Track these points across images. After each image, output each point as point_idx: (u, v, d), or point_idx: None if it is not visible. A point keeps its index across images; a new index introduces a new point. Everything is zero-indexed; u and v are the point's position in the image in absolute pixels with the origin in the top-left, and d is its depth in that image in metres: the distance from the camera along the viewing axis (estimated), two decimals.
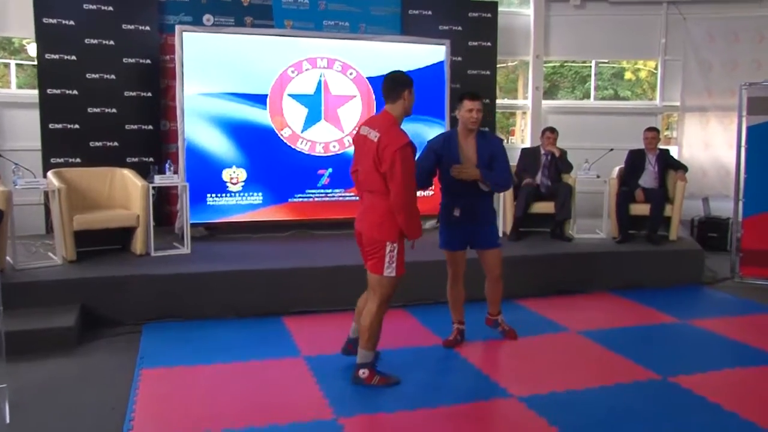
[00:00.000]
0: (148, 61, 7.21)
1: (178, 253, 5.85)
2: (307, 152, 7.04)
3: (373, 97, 7.15)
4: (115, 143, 7.10)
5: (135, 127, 7.19)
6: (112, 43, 7.04)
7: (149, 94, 7.24)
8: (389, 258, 3.62)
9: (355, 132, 3.93)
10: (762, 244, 6.43)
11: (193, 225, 6.26)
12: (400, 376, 3.88)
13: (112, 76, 7.07)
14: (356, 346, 4.10)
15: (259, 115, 6.83)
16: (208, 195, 6.71)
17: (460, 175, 4.14)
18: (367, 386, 3.74)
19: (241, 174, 6.82)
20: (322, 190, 7.13)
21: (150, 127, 7.26)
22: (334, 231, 6.99)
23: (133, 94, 7.16)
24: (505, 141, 11.87)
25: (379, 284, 3.67)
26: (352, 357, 3.93)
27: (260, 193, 6.91)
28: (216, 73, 6.66)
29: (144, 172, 6.13)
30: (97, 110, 7.03)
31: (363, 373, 3.76)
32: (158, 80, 7.29)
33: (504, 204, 6.98)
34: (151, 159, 7.06)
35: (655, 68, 9.55)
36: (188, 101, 6.55)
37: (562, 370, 4.11)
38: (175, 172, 6.12)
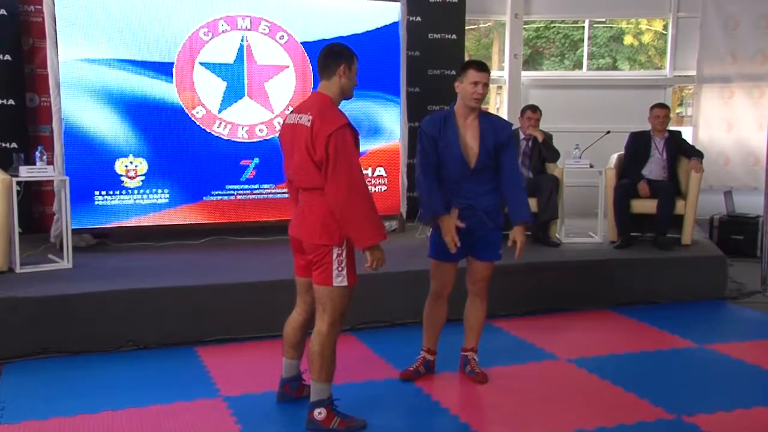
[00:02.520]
0: (3, 12, 6.99)
1: (54, 267, 5.75)
2: (226, 137, 6.99)
3: (310, 67, 7.12)
4: None
5: None
6: None
7: (8, 58, 7.04)
8: (338, 265, 3.66)
9: (282, 121, 3.95)
10: None
11: (75, 231, 6.16)
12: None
13: None
14: (294, 386, 4.12)
15: (164, 90, 6.75)
16: (97, 192, 6.61)
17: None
18: (324, 431, 3.73)
19: (141, 165, 6.75)
20: (246, 186, 7.09)
21: (11, 102, 7.09)
22: (261, 237, 6.98)
23: None
24: None
25: (329, 298, 3.70)
26: (295, 400, 3.98)
27: (166, 190, 6.83)
28: (104, 33, 6.53)
29: (4, 162, 6.00)
30: None
31: (319, 413, 3.75)
32: (19, 39, 7.10)
33: None
34: (15, 145, 6.93)
35: (664, 29, 9.73)
36: (65, 69, 6.40)
37: (548, 408, 4.11)
38: (50, 162, 5.98)
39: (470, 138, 4.24)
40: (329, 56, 3.74)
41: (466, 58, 8.90)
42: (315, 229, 3.67)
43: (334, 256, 3.66)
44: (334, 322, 3.72)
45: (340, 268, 3.67)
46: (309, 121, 3.60)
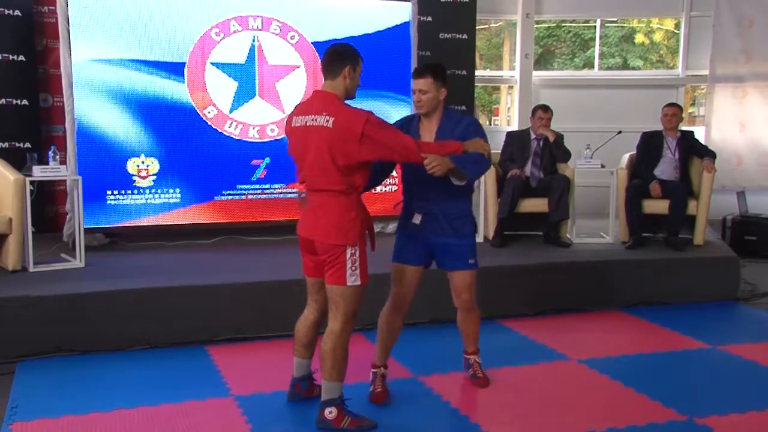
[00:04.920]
0: (18, 13, 7.03)
1: (67, 267, 5.77)
2: (237, 137, 7.00)
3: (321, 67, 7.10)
4: None
5: (2, 101, 7.04)
6: None
7: (22, 59, 7.08)
8: (351, 264, 3.68)
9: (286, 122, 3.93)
10: None
11: (88, 231, 6.18)
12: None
13: None
14: (305, 386, 4.12)
15: (175, 90, 6.77)
16: (109, 192, 6.64)
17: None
18: (334, 431, 3.73)
19: (153, 165, 6.77)
20: (257, 186, 7.10)
21: (25, 102, 7.12)
22: (272, 237, 6.98)
23: None
24: (487, 123, 11.96)
25: (342, 297, 3.72)
26: (305, 400, 3.99)
27: (177, 190, 6.85)
28: (116, 33, 6.56)
29: (18, 161, 6.00)
30: None
31: (330, 413, 3.75)
32: (32, 39, 7.14)
33: (485, 201, 7.01)
34: (28, 145, 6.95)
35: (676, 28, 9.70)
36: (78, 69, 6.44)
37: (559, 410, 4.11)
38: (63, 162, 6.01)
39: (428, 136, 4.07)
40: (334, 57, 3.74)
41: (477, 58, 8.91)
42: (329, 229, 3.68)
43: (348, 255, 3.67)
44: (347, 321, 3.74)
45: (353, 268, 3.69)
46: (329, 121, 3.58)
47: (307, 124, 3.68)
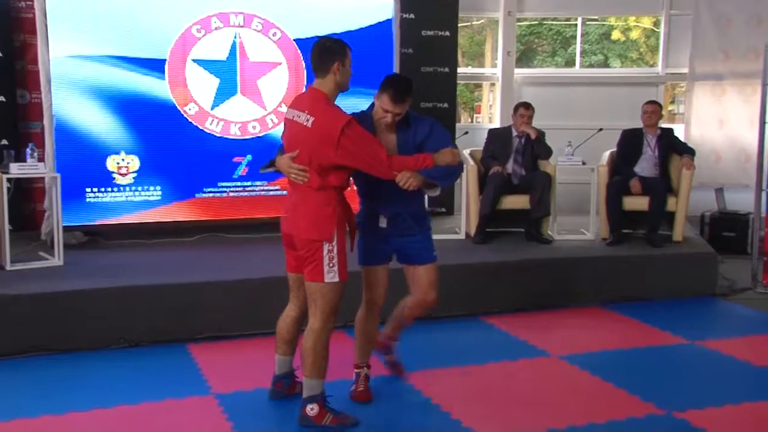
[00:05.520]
0: None
1: (45, 265, 5.72)
2: (219, 134, 6.96)
3: (303, 64, 7.09)
4: None
5: None
6: None
7: None
8: (329, 261, 3.66)
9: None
10: None
11: (67, 229, 6.12)
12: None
13: None
14: (286, 383, 4.11)
15: (156, 86, 6.71)
16: (88, 189, 6.58)
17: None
18: (316, 428, 3.72)
19: (133, 162, 6.71)
20: (238, 183, 7.06)
21: (2, 98, 7.03)
22: (253, 234, 6.95)
23: None
24: (470, 120, 11.96)
25: (320, 294, 3.71)
26: (287, 397, 4.00)
27: (158, 187, 6.80)
28: (96, 30, 6.50)
29: None
30: None
31: (311, 409, 3.75)
32: (10, 35, 7.05)
33: (467, 198, 7.01)
34: (5, 141, 6.85)
35: (655, 26, 9.73)
36: (56, 65, 6.36)
37: (540, 404, 4.12)
38: (41, 159, 5.96)
39: (388, 141, 3.93)
40: (322, 53, 3.70)
41: (459, 56, 8.89)
42: (306, 224, 3.68)
43: (325, 252, 3.66)
44: (326, 318, 3.73)
45: (331, 264, 3.67)
46: (308, 120, 3.59)
47: (294, 118, 3.70)
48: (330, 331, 3.78)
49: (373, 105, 3.97)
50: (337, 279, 3.69)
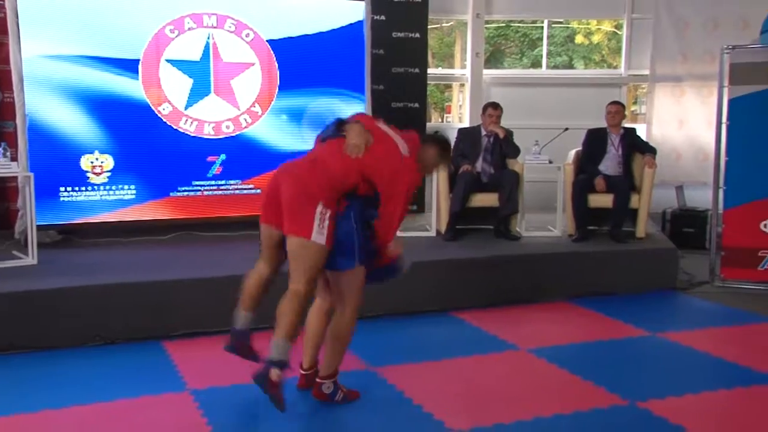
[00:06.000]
0: None
1: (19, 264, 5.67)
2: (193, 134, 6.94)
3: (276, 65, 7.07)
4: None
5: None
6: None
7: None
8: (320, 221, 3.55)
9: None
10: (746, 241, 6.60)
11: (41, 228, 6.09)
12: (314, 409, 3.88)
13: None
14: (243, 338, 4.00)
15: (129, 86, 6.68)
16: (62, 189, 6.53)
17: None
18: (268, 392, 3.59)
19: (107, 161, 6.67)
20: (212, 182, 7.04)
21: None
22: (228, 232, 6.92)
23: None
24: (440, 120, 12.03)
25: (305, 251, 3.57)
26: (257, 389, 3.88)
27: (132, 186, 6.77)
28: (68, 29, 6.45)
29: None
30: None
31: (276, 375, 3.59)
32: None
33: (437, 196, 7.06)
34: None
35: (617, 29, 9.86)
36: (29, 65, 6.31)
37: (509, 397, 4.17)
38: (14, 158, 5.93)
39: None
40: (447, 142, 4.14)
41: (429, 57, 8.95)
42: (316, 182, 3.61)
43: (318, 211, 3.56)
44: (309, 280, 3.61)
45: (321, 225, 3.55)
46: (406, 151, 3.82)
47: (388, 133, 3.85)
48: (308, 296, 3.68)
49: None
50: (323, 242, 3.56)
